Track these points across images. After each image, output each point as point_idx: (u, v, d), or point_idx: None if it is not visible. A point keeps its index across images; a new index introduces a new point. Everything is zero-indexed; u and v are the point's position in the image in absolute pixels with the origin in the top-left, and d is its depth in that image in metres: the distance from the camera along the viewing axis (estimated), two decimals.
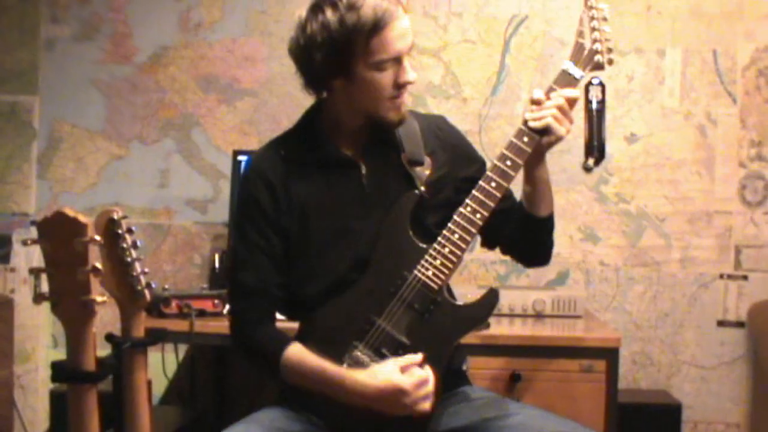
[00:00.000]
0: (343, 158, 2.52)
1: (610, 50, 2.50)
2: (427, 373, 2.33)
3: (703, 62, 3.90)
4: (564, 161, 3.86)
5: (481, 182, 2.41)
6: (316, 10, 2.37)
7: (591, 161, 2.60)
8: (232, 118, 4.02)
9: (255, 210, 2.52)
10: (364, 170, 2.52)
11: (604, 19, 2.51)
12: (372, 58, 2.36)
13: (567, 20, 3.92)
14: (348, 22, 2.31)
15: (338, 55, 2.36)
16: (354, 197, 2.51)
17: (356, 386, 2.35)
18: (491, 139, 3.90)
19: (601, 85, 2.54)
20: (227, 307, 2.76)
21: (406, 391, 2.30)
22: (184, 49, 4.04)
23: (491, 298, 2.44)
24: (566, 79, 2.47)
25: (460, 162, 2.63)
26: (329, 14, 2.33)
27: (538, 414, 2.40)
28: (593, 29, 2.49)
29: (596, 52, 2.48)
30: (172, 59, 4.04)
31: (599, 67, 2.50)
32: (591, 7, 2.51)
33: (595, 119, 2.54)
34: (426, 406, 2.32)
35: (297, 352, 2.44)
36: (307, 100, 3.94)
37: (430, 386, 2.32)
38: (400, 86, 2.42)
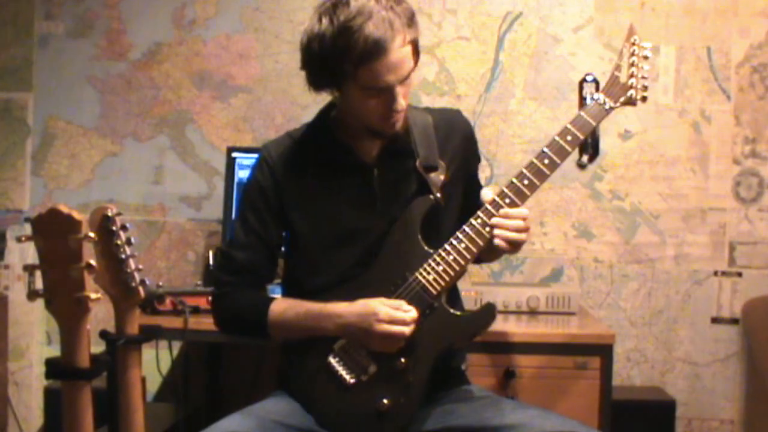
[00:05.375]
0: (357, 161, 2.53)
1: (645, 88, 2.52)
2: (409, 315, 2.36)
3: (697, 59, 3.90)
4: None
5: (496, 197, 2.42)
6: (319, 15, 2.35)
7: (585, 158, 2.62)
8: (226, 115, 4.02)
9: (258, 197, 2.55)
10: (376, 173, 2.53)
11: (645, 57, 2.53)
12: (360, 83, 2.35)
13: (561, 17, 3.92)
14: (338, 46, 2.30)
15: (328, 70, 2.37)
16: (363, 199, 2.52)
17: (335, 310, 2.42)
18: (485, 136, 3.90)
19: (595, 81, 2.55)
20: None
21: (380, 317, 2.35)
22: (179, 45, 4.03)
23: (488, 313, 2.45)
24: (597, 109, 2.48)
25: (470, 159, 2.66)
26: (325, 26, 2.32)
27: (538, 413, 2.39)
28: (632, 65, 2.51)
29: (630, 87, 2.50)
30: (166, 56, 4.04)
31: (631, 102, 2.51)
32: (633, 44, 2.52)
33: None
34: (394, 343, 2.37)
35: (281, 303, 2.52)
36: (301, 98, 3.96)
37: (405, 329, 2.36)
38: (388, 112, 2.41)
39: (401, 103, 2.40)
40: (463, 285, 3.00)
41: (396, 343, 2.36)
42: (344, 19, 2.29)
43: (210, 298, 2.67)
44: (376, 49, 2.29)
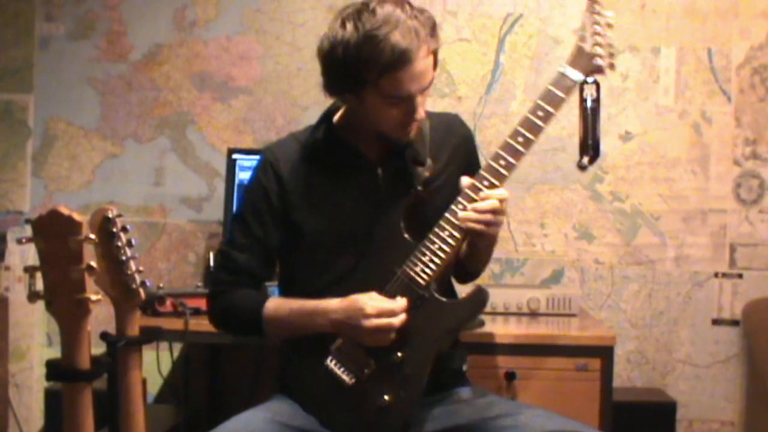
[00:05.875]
0: (362, 161, 2.53)
1: (612, 55, 2.46)
2: (397, 306, 2.36)
3: (698, 60, 3.90)
4: (559, 159, 3.86)
5: (474, 181, 2.41)
6: (343, 21, 2.34)
7: (586, 159, 2.61)
8: (226, 117, 4.02)
9: (261, 199, 2.55)
10: (380, 173, 2.53)
11: (609, 25, 2.47)
12: (382, 91, 2.34)
13: (561, 18, 3.92)
14: (363, 54, 2.29)
15: (351, 77, 2.35)
16: (370, 200, 2.52)
17: (327, 306, 2.42)
18: (486, 138, 3.90)
19: (596, 83, 2.53)
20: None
21: (366, 312, 2.34)
22: (179, 47, 4.03)
23: (479, 296, 2.44)
24: (563, 82, 2.44)
25: (470, 162, 2.65)
26: (350, 33, 2.30)
27: (540, 413, 2.39)
28: (595, 33, 2.44)
29: (596, 55, 2.44)
30: (166, 57, 4.04)
31: (599, 70, 2.46)
32: (595, 12, 2.48)
33: (590, 118, 2.54)
34: (384, 337, 2.36)
35: (276, 301, 2.53)
36: (301, 99, 3.96)
37: (394, 320, 2.35)
38: (407, 121, 2.41)
39: (421, 112, 2.40)
40: (464, 288, 3.00)
41: (385, 335, 2.36)
42: (370, 27, 2.28)
43: (207, 296, 2.67)
44: (402, 58, 2.28)
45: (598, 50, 2.44)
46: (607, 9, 2.49)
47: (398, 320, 2.35)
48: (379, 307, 2.35)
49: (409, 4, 2.37)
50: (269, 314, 2.50)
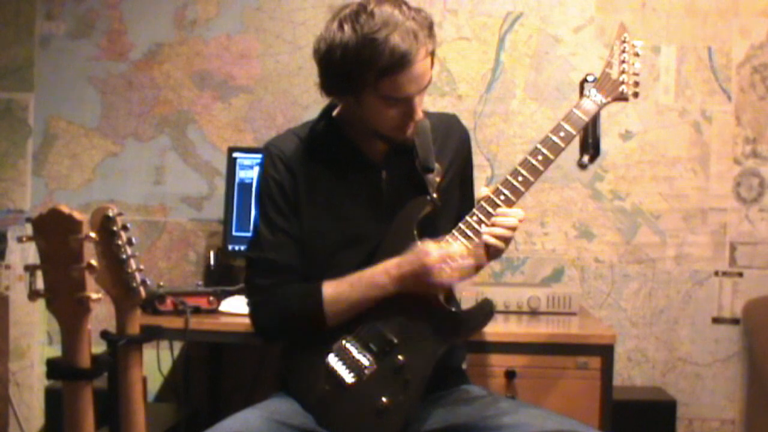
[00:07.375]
0: (366, 162, 2.52)
1: (636, 84, 2.55)
2: (459, 250, 2.37)
3: (698, 59, 3.90)
4: (559, 158, 3.84)
5: (491, 194, 2.42)
6: (340, 22, 2.32)
7: (586, 158, 2.62)
8: (227, 115, 4.02)
9: (278, 193, 2.52)
10: (384, 175, 2.52)
11: (636, 54, 2.56)
12: (381, 93, 2.33)
13: (562, 17, 3.92)
14: (362, 56, 2.27)
15: (349, 79, 2.34)
16: (372, 201, 2.52)
17: (386, 264, 2.41)
18: (486, 136, 3.90)
19: (596, 82, 2.55)
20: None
21: (431, 253, 2.35)
22: (180, 45, 4.03)
23: (485, 308, 2.44)
24: (589, 105, 2.50)
25: (466, 163, 2.66)
26: (348, 35, 2.29)
27: (538, 413, 2.39)
28: (623, 61, 2.54)
29: (622, 83, 2.53)
30: (167, 56, 4.04)
31: (623, 97, 2.53)
32: (624, 41, 2.55)
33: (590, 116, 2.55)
34: (446, 277, 2.36)
35: (330, 283, 2.46)
36: (302, 98, 3.97)
37: (459, 261, 2.36)
38: (404, 121, 2.41)
39: (419, 113, 2.40)
40: (463, 285, 3.00)
41: (455, 275, 2.37)
42: (369, 30, 2.27)
43: (249, 308, 2.58)
44: (402, 61, 2.28)
45: (624, 78, 2.53)
46: (636, 38, 2.58)
47: (469, 261, 2.38)
48: (442, 250, 2.37)
49: (406, 4, 2.35)
50: (330, 297, 2.43)
